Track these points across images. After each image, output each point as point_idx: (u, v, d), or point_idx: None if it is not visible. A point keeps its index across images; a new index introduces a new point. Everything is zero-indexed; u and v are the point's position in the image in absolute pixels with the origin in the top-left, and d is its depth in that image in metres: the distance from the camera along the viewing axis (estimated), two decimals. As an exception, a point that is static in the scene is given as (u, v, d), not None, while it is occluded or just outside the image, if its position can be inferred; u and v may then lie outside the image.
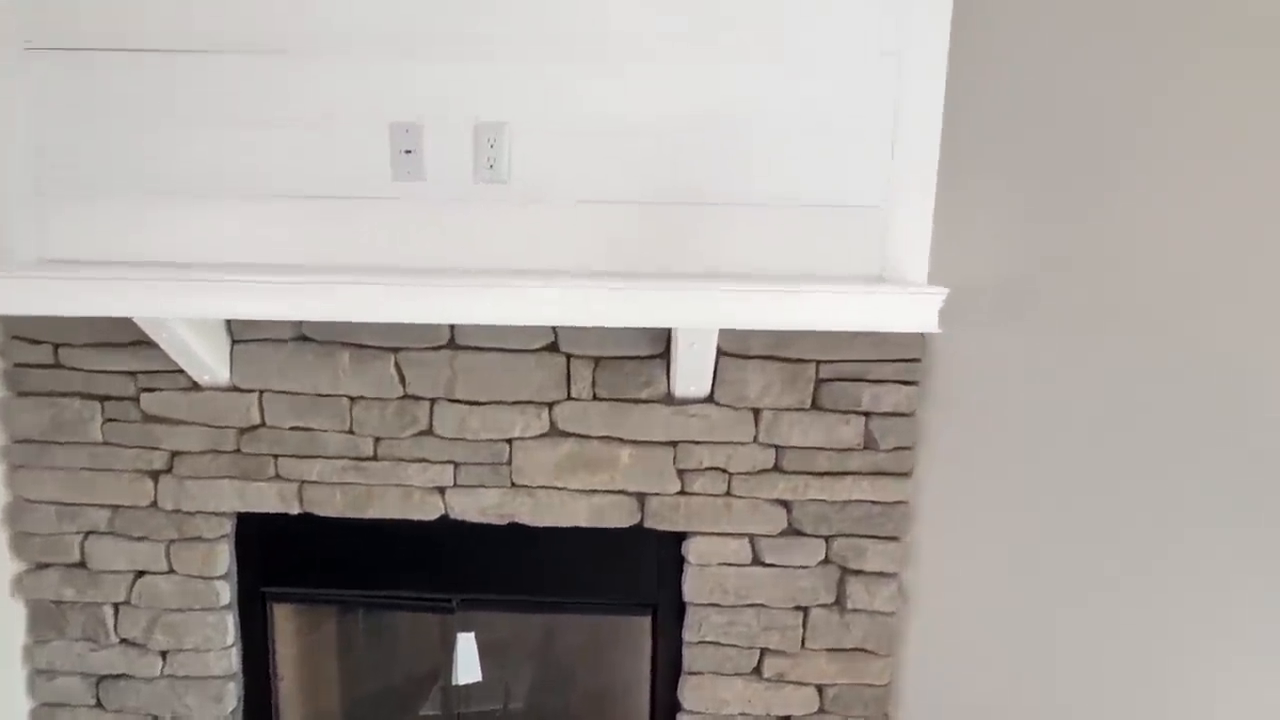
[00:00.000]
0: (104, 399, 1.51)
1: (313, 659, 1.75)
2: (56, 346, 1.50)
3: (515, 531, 1.53)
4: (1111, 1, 1.18)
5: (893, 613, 1.52)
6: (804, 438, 1.46)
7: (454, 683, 1.63)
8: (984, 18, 1.33)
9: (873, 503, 1.48)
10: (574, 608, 1.61)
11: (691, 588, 1.52)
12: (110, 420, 1.52)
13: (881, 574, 1.51)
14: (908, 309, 1.25)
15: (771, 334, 1.42)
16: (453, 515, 1.52)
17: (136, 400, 1.51)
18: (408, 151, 1.42)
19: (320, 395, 1.49)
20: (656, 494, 1.50)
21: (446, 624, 1.66)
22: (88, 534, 1.56)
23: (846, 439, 1.46)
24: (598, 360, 1.47)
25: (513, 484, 1.51)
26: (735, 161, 1.40)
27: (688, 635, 1.54)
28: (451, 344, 1.47)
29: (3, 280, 1.31)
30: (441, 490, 1.52)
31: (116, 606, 1.58)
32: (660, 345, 1.45)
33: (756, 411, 1.46)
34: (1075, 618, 1.30)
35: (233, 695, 1.61)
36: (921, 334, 1.42)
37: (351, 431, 1.50)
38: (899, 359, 1.43)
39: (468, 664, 1.63)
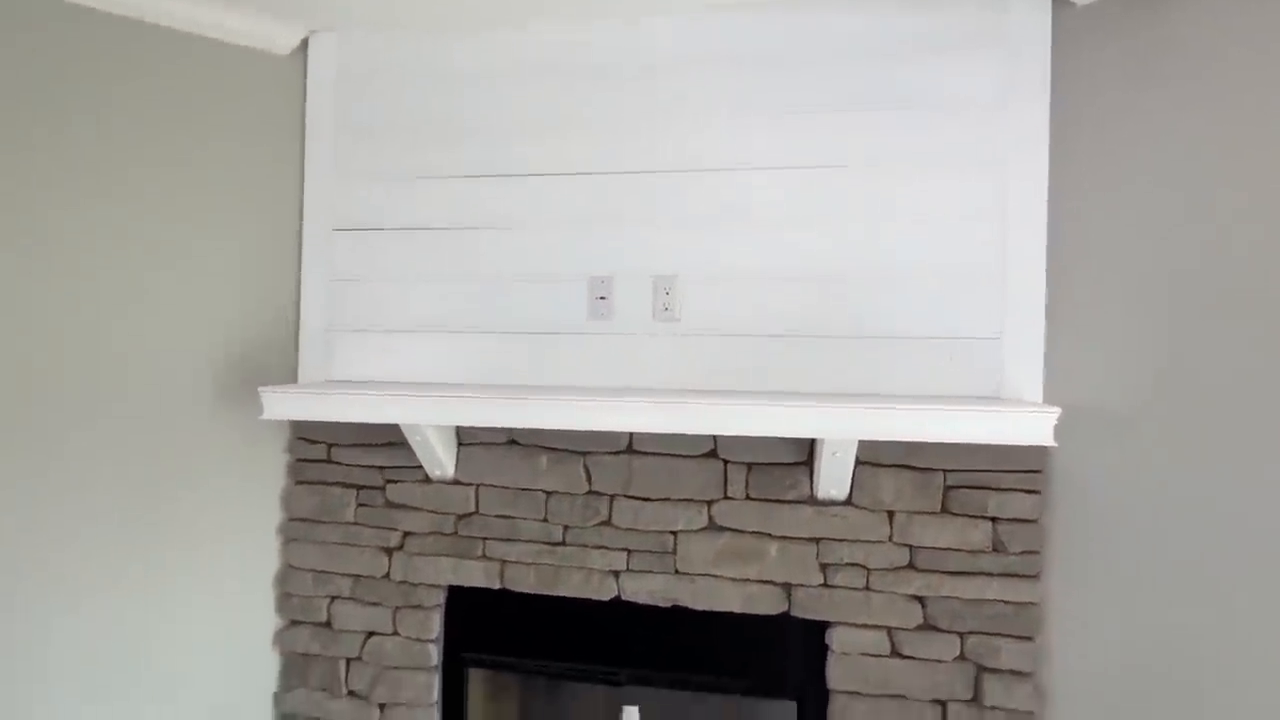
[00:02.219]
0: (359, 488, 1.94)
1: (497, 722, 2.01)
2: (329, 446, 1.96)
3: (678, 614, 1.77)
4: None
5: (1031, 712, 1.61)
6: (935, 539, 1.65)
7: (618, 754, 1.83)
8: (1078, 172, 1.61)
9: (1004, 602, 1.62)
10: (727, 688, 1.80)
11: (835, 675, 1.69)
12: (361, 505, 1.93)
13: (1017, 672, 1.61)
14: (1024, 425, 1.46)
15: (902, 446, 1.66)
16: (624, 596, 1.79)
17: (383, 489, 1.92)
18: (601, 298, 1.83)
19: (522, 489, 1.85)
20: (801, 584, 1.71)
21: (612, 699, 1.88)
22: (334, 598, 1.95)
23: (976, 541, 1.63)
24: (750, 466, 1.74)
25: (676, 571, 1.77)
26: (862, 302, 1.71)
27: (832, 721, 1.69)
28: (629, 449, 1.80)
29: (310, 395, 1.78)
30: (616, 574, 1.80)
31: (349, 661, 1.93)
32: (804, 454, 1.72)
33: (891, 514, 1.67)
34: (1209, 709, 1.37)
35: (433, 749, 1.89)
36: (1042, 447, 1.61)
37: (546, 520, 1.83)
38: (1021, 469, 1.62)
39: (631, 736, 1.83)
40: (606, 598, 1.80)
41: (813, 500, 1.71)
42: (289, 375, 1.99)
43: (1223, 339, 1.40)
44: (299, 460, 1.98)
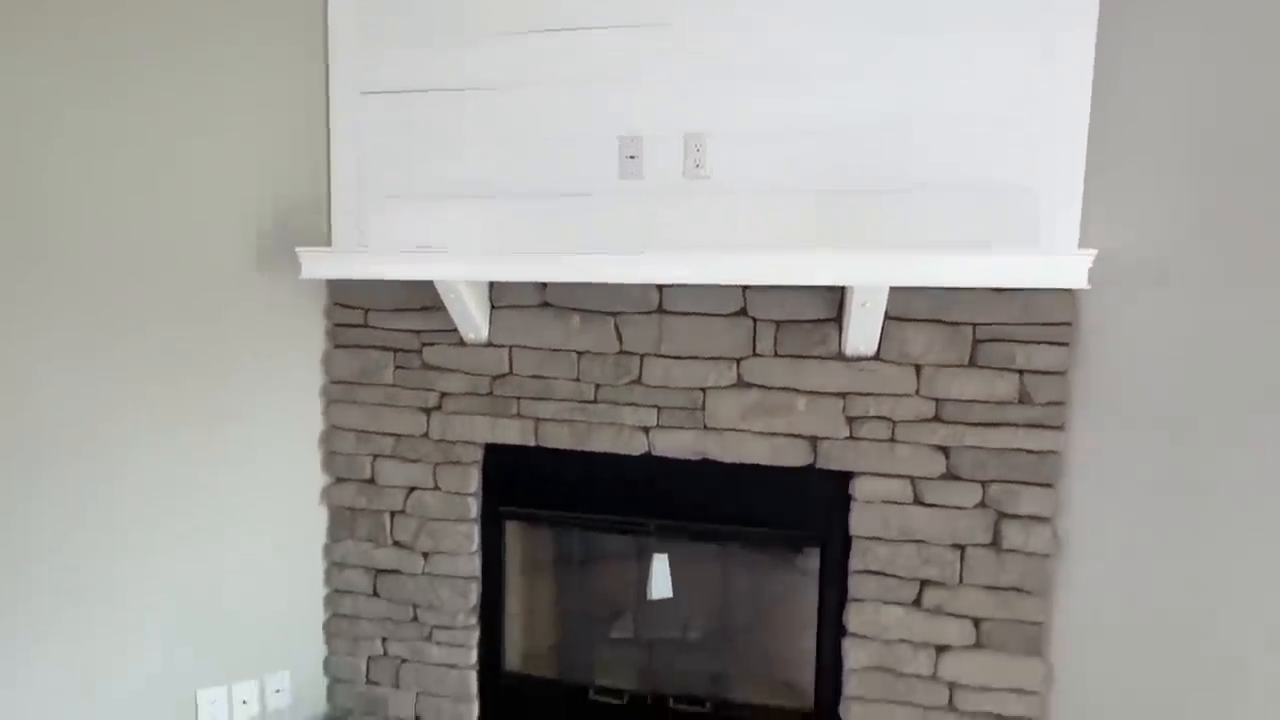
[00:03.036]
0: (397, 350, 2.00)
1: (534, 570, 2.13)
2: (366, 310, 2.01)
3: (706, 466, 1.84)
4: None
5: (1047, 555, 1.67)
6: (962, 391, 1.68)
7: (649, 597, 1.94)
8: (1125, 24, 1.54)
9: (1027, 451, 1.66)
10: (753, 537, 1.89)
11: (858, 522, 1.76)
12: (400, 367, 2.00)
13: (1036, 517, 1.67)
14: (1058, 269, 1.45)
15: (933, 299, 1.66)
16: (655, 451, 1.86)
17: (420, 352, 1.98)
18: (631, 157, 1.81)
19: (555, 350, 1.89)
20: (828, 438, 1.76)
21: (643, 548, 1.98)
22: (376, 456, 2.04)
23: (1002, 393, 1.66)
24: (779, 323, 1.76)
25: (705, 426, 1.82)
26: (896, 155, 1.68)
27: (854, 565, 1.77)
28: (660, 309, 1.83)
29: (345, 255, 1.82)
30: (646, 430, 1.86)
31: (393, 514, 2.04)
32: (833, 310, 1.73)
33: (918, 367, 1.70)
34: (1223, 559, 1.42)
35: (474, 592, 2.01)
36: (1072, 300, 1.61)
37: (578, 379, 1.88)
38: (1051, 322, 1.62)
39: (661, 582, 1.94)
40: (637, 453, 1.87)
41: (841, 356, 1.74)
42: (323, 244, 2.02)
43: (1261, 191, 1.37)
44: (337, 325, 2.04)
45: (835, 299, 1.72)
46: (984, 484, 1.69)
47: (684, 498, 1.88)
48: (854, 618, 1.78)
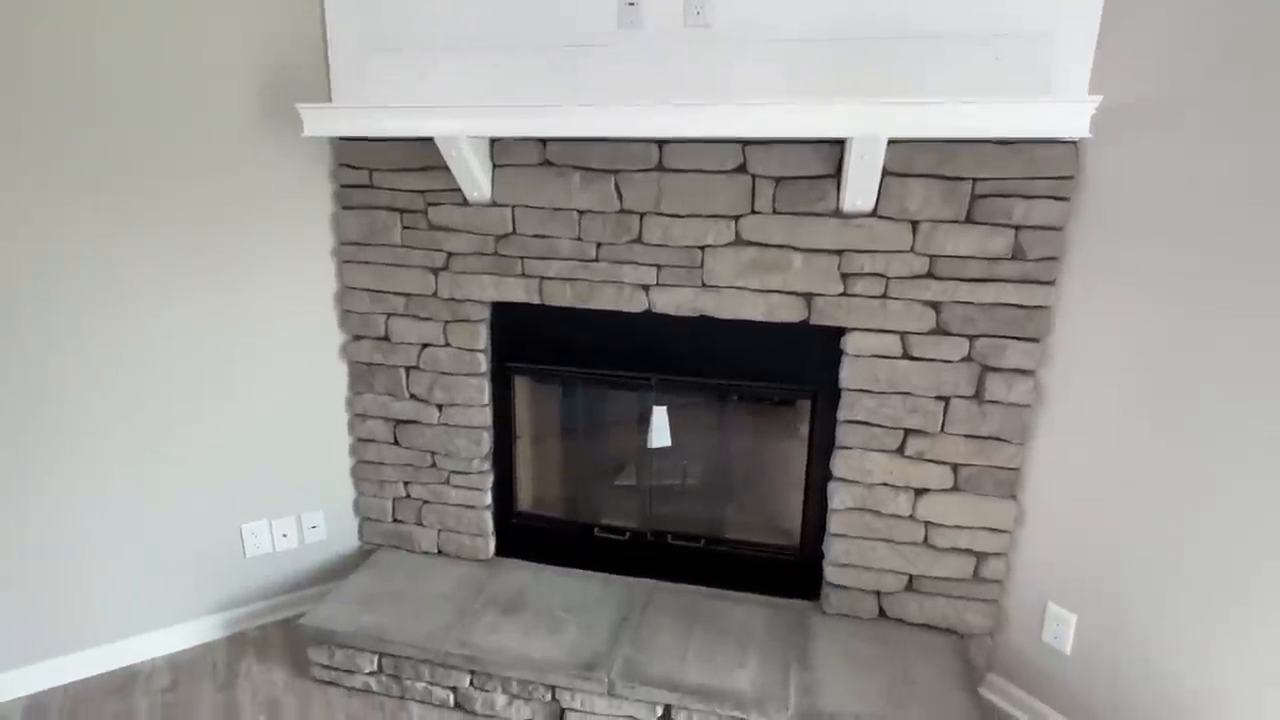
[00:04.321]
0: (403, 211, 2.03)
1: (541, 421, 2.27)
2: (371, 171, 2.03)
3: (704, 323, 1.90)
4: None
5: (1028, 405, 1.75)
6: (957, 247, 1.69)
7: (649, 446, 2.07)
8: None
9: (1017, 306, 1.70)
10: (749, 390, 1.98)
11: (848, 375, 1.84)
12: (407, 228, 2.04)
13: (1019, 370, 1.73)
14: (1061, 115, 1.42)
15: (935, 153, 1.65)
16: (655, 309, 1.92)
17: (425, 213, 2.02)
18: (630, 3, 1.75)
19: (557, 209, 1.92)
20: (822, 294, 1.80)
21: (644, 402, 2.09)
22: (389, 315, 2.13)
23: (997, 249, 1.67)
24: (778, 180, 1.76)
25: (703, 284, 1.87)
26: (907, 2, 1.61)
27: (842, 415, 1.87)
28: (659, 166, 1.83)
29: (349, 112, 1.81)
30: (646, 288, 1.91)
31: (408, 370, 2.16)
32: (832, 166, 1.72)
33: (915, 224, 1.71)
34: (1201, 421, 1.48)
35: (486, 441, 2.16)
36: (1075, 153, 1.58)
37: (580, 239, 1.92)
38: (1052, 176, 1.61)
39: (660, 431, 2.06)
40: (637, 310, 1.93)
41: (838, 213, 1.75)
42: (321, 98, 2.00)
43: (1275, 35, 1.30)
44: (344, 186, 2.06)
45: (835, 155, 1.71)
46: (971, 338, 1.75)
47: (682, 353, 1.96)
48: (840, 464, 1.90)
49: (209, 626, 2.18)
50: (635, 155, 1.82)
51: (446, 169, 1.89)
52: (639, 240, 1.88)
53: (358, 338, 2.18)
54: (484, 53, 1.87)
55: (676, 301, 1.90)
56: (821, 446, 1.94)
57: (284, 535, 2.24)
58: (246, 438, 2.13)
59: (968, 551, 1.87)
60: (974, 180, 1.66)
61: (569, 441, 2.34)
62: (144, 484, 2.02)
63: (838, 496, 1.92)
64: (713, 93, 1.75)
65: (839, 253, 1.77)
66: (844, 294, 1.79)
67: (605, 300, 1.94)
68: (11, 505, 1.87)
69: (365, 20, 1.93)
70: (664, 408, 2.05)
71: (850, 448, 1.88)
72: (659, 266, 1.89)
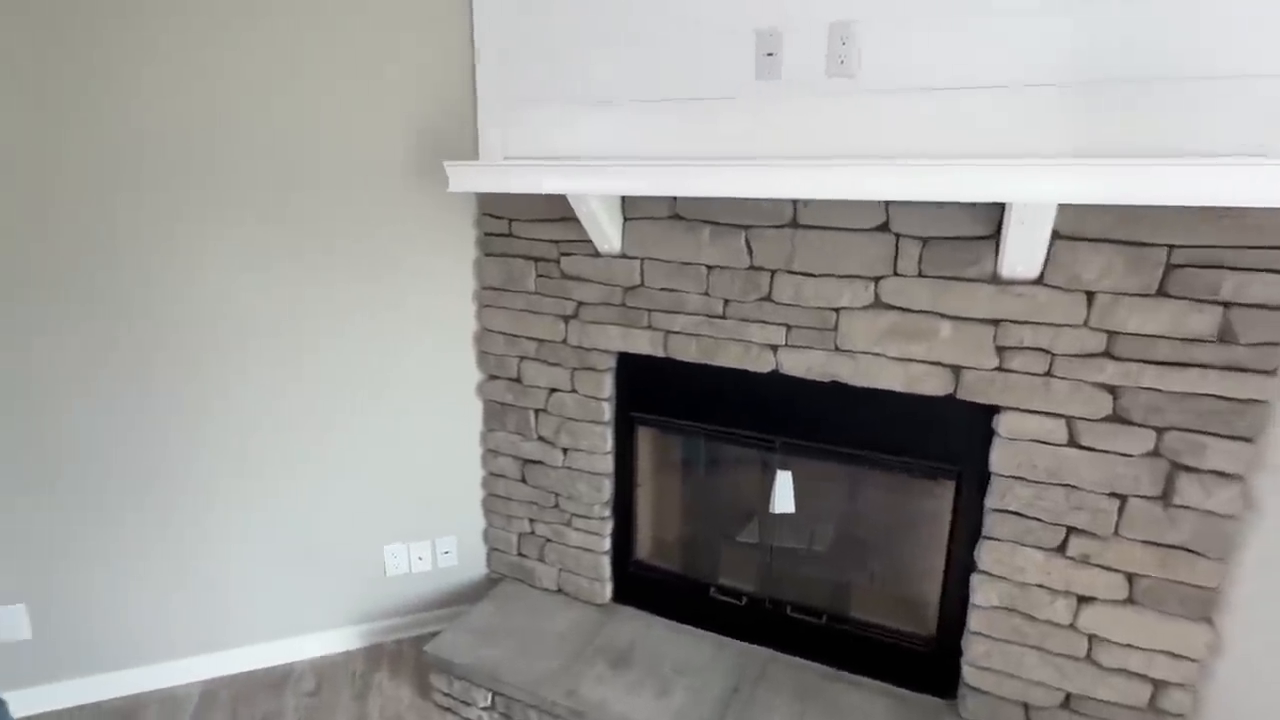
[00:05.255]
0: (538, 260, 2.09)
1: (662, 473, 2.24)
2: (510, 221, 2.10)
3: (835, 388, 1.77)
4: None
5: (1232, 515, 1.45)
6: (1143, 324, 1.44)
7: (771, 511, 1.97)
8: None
9: (1221, 398, 1.41)
10: (882, 463, 1.82)
11: (1000, 458, 1.63)
12: (541, 276, 2.09)
13: (1222, 473, 1.44)
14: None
15: (1110, 214, 1.41)
16: (782, 370, 1.82)
17: (558, 262, 2.05)
18: (769, 54, 1.67)
19: (685, 263, 1.87)
20: (972, 368, 1.61)
21: (767, 463, 1.99)
22: (522, 358, 2.19)
23: (1197, 329, 1.40)
24: (925, 240, 1.60)
25: (836, 347, 1.74)
26: (1102, 37, 1.39)
27: (991, 502, 1.66)
28: (793, 223, 1.72)
29: (485, 169, 1.88)
30: (774, 348, 1.81)
31: (537, 412, 2.21)
32: (989, 227, 1.53)
33: (1090, 295, 1.48)
34: None
35: (607, 488, 2.16)
36: (1312, 218, 1.29)
37: (707, 294, 1.86)
38: (1272, 246, 1.32)
39: (784, 497, 1.95)
40: (764, 370, 1.84)
41: (995, 279, 1.55)
42: (473, 150, 2.10)
43: None
44: (486, 234, 2.16)
45: (993, 216, 1.52)
46: (1159, 431, 1.48)
47: (810, 417, 1.84)
48: (986, 555, 1.69)
49: (351, 636, 2.37)
50: (768, 211, 1.74)
51: (578, 221, 1.91)
52: (768, 298, 1.79)
53: (493, 377, 2.27)
54: (618, 107, 1.86)
55: (806, 364, 1.78)
56: (965, 533, 1.73)
57: (419, 558, 2.38)
58: (391, 465, 2.29)
59: (1141, 677, 1.59)
60: (1169, 248, 1.40)
61: (690, 494, 2.29)
62: (303, 503, 2.22)
63: (982, 592, 1.70)
64: (856, 147, 1.62)
65: (994, 323, 1.57)
66: (999, 369, 1.59)
67: (731, 358, 1.87)
68: (195, 513, 2.13)
69: (509, 77, 2.00)
70: (788, 473, 1.93)
71: (999, 539, 1.67)
72: (789, 327, 1.79)
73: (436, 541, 2.39)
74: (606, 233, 1.89)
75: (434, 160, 2.09)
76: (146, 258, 1.93)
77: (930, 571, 1.85)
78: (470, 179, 1.86)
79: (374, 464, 2.27)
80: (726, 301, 1.85)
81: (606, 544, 2.20)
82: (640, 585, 2.22)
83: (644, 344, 1.98)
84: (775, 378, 1.84)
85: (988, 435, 1.64)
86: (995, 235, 1.53)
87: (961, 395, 1.63)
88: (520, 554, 2.36)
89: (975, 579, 1.71)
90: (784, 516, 2.01)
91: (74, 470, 2.00)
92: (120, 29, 1.79)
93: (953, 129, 1.53)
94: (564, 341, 2.10)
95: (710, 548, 2.25)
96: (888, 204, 1.61)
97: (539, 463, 2.25)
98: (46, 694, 2.11)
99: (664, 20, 1.77)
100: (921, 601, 1.91)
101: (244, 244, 1.99)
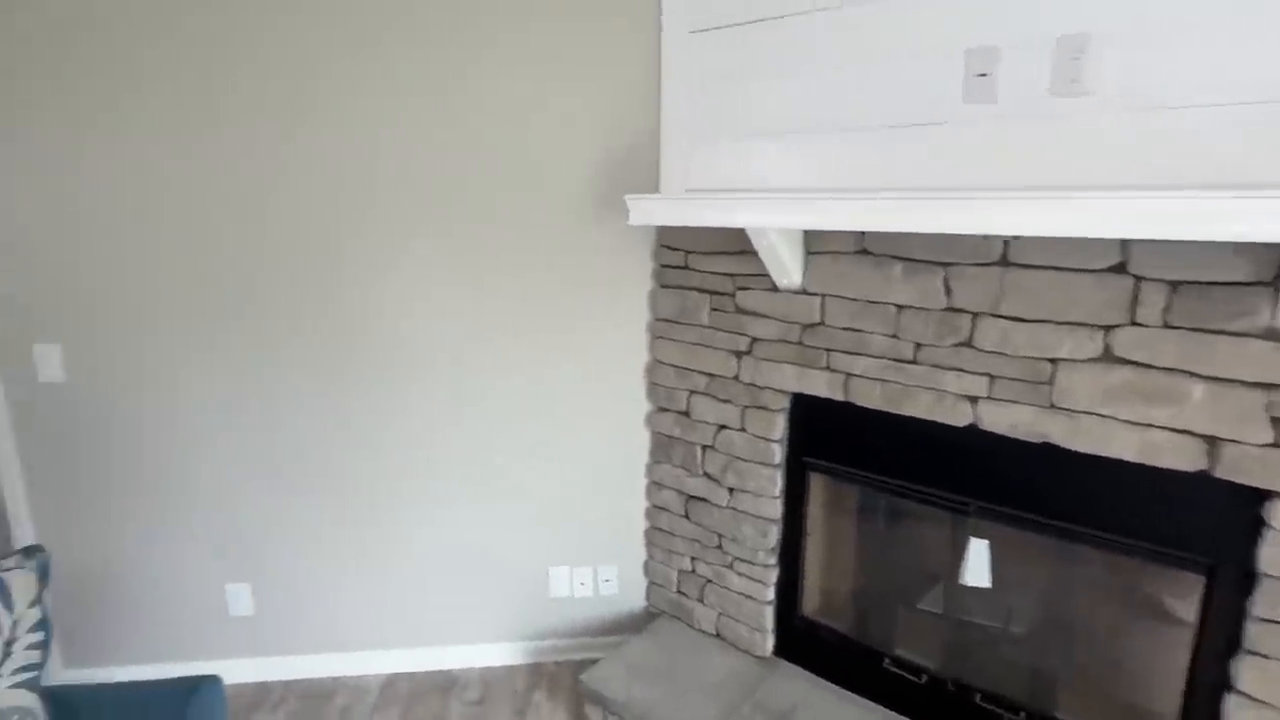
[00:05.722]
0: (712, 293, 2.04)
1: (834, 524, 2.08)
2: (687, 253, 2.08)
3: (1047, 451, 1.53)
4: None
5: None
6: None
7: (961, 582, 1.75)
8: None
9: None
10: (1104, 543, 1.54)
11: (1272, 557, 1.31)
12: (715, 310, 2.04)
13: None
14: None
15: None
16: (981, 425, 1.61)
17: (733, 296, 1.99)
18: (981, 75, 1.50)
19: (871, 302, 1.73)
20: (1235, 441, 1.31)
21: (959, 527, 1.78)
22: (692, 392, 2.15)
23: None
24: (1175, 285, 1.34)
25: (1051, 404, 1.51)
26: None
27: (1257, 609, 1.34)
28: (1003, 260, 1.53)
29: (665, 202, 1.87)
30: (973, 400, 1.61)
31: (704, 448, 2.15)
32: (1265, 271, 1.25)
33: None
34: None
35: (774, 534, 2.04)
36: None
37: (896, 336, 1.70)
38: None
39: (977, 568, 1.72)
40: (960, 424, 1.64)
41: (1272, 334, 1.26)
42: (652, 183, 2.11)
43: None
44: (662, 266, 2.15)
45: (1271, 258, 1.23)
46: None
47: (1014, 481, 1.61)
48: (1248, 675, 1.36)
49: (514, 651, 2.44)
50: (972, 247, 1.55)
51: (757, 254, 1.84)
52: (968, 344, 1.60)
53: (662, 410, 2.24)
54: (806, 137, 1.77)
55: (1012, 420, 1.56)
56: (1217, 641, 1.41)
57: (581, 584, 2.40)
58: (558, 488, 2.34)
59: None
60: None
61: (865, 550, 2.10)
62: (477, 520, 2.34)
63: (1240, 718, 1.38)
64: (1087, 175, 1.40)
65: (1268, 387, 1.27)
66: (1273, 444, 1.28)
67: (920, 407, 1.69)
68: (379, 522, 2.31)
69: (695, 108, 1.98)
70: (985, 542, 1.71)
71: (1269, 657, 1.34)
72: (991, 377, 1.58)
73: (599, 569, 2.40)
74: (786, 267, 1.80)
75: (613, 191, 2.12)
76: (346, 290, 2.14)
77: (1166, 680, 1.53)
78: (651, 212, 1.86)
79: (543, 485, 2.33)
80: (918, 345, 1.68)
81: (770, 593, 2.08)
82: (805, 642, 2.07)
83: (821, 385, 1.85)
84: (972, 433, 1.63)
85: (1255, 525, 1.33)
86: (1273, 282, 1.24)
87: (1219, 473, 1.34)
88: (680, 591, 2.30)
89: (1232, 701, 1.39)
90: (976, 589, 1.78)
91: (293, 471, 2.25)
92: (341, 77, 2.01)
93: (1211, 153, 1.27)
94: (736, 378, 2.03)
95: (886, 612, 2.04)
96: (1125, 240, 1.37)
97: (703, 500, 2.18)
98: (260, 666, 2.38)
99: (859, 47, 1.66)
100: (1151, 714, 1.59)
101: (435, 273, 2.15)
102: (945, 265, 1.60)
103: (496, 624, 2.43)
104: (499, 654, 2.44)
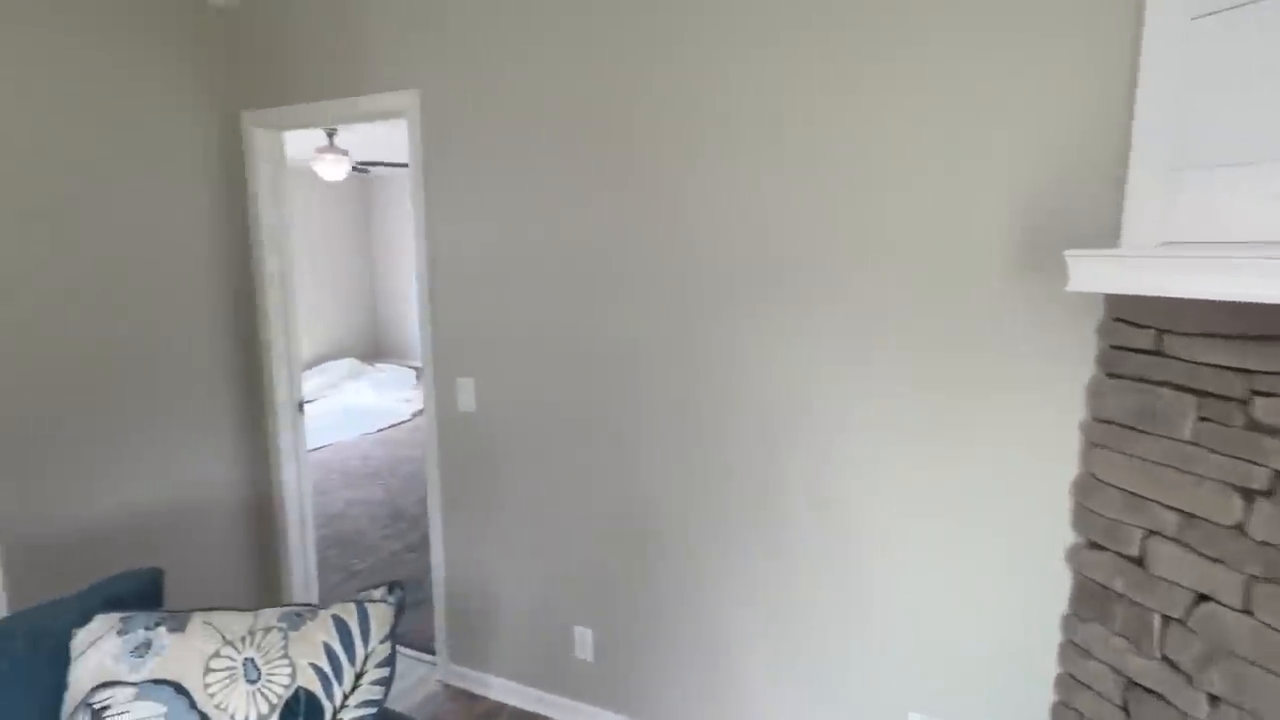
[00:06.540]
0: (1204, 395, 1.36)
1: None
2: (1160, 333, 1.43)
3: None
4: None
5: None
6: None
7: None
8: None
9: None
10: None
11: None
12: (1205, 419, 1.35)
13: None
14: None
15: None
16: None
17: (1245, 404, 1.29)
18: None
19: None
20: None
21: None
22: (1151, 533, 1.47)
23: None
24: None
25: None
26: None
27: None
28: None
29: (1130, 261, 1.30)
30: None
31: (1167, 620, 1.45)
32: None
33: None
34: None
35: (1300, 800, 1.25)
36: None
37: None
38: None
39: None
40: None
41: None
42: (1106, 234, 1.53)
43: None
44: (1114, 347, 1.53)
45: None
46: None
47: None
48: None
49: (854, 801, 2.00)
50: None
51: (1302, 343, 1.14)
52: None
53: (1096, 546, 1.59)
54: None
55: None
56: None
57: (951, 746, 1.85)
58: (930, 617, 1.84)
59: None
60: None
61: None
62: (835, 641, 1.98)
63: None
64: None
65: None
66: None
67: None
68: (727, 613, 2.09)
69: (1187, 126, 1.35)
70: None
71: None
72: None
73: (973, 728, 1.83)
74: (1370, 370, 1.07)
75: (1041, 248, 1.59)
76: (727, 365, 1.99)
77: None
78: (1106, 275, 1.31)
79: (913, 611, 1.86)
80: None
81: None
82: None
83: None
84: None
85: None
86: None
87: None
88: (1103, 812, 1.60)
89: None
90: None
91: (640, 527, 2.20)
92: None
93: None
94: (1239, 528, 1.31)
95: None
96: None
97: (1157, 696, 1.46)
98: (592, 716, 2.38)
99: None
100: None
101: (818, 345, 1.88)
102: None
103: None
104: (836, 796, 2.02)
